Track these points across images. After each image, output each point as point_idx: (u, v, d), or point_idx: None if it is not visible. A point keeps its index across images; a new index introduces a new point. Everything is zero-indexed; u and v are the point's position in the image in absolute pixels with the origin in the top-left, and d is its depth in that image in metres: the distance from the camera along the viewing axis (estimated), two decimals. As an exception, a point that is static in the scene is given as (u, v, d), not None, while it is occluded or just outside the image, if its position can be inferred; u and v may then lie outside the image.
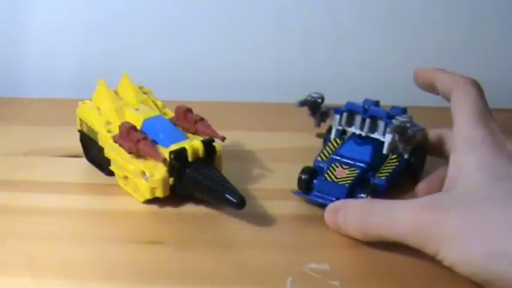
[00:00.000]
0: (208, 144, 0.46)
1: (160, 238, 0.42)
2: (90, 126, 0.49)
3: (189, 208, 0.46)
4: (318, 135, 0.57)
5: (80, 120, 0.50)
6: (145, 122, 0.47)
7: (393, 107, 0.50)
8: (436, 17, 0.69)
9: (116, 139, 0.46)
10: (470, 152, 0.39)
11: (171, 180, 0.45)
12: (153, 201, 0.45)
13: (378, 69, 0.70)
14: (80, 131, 0.51)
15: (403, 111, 0.49)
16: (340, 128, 0.48)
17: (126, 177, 0.46)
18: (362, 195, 0.45)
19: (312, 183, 0.46)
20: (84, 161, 0.52)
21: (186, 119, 0.48)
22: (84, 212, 0.45)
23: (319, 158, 0.49)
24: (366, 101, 0.50)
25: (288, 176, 0.48)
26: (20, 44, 0.71)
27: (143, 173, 0.45)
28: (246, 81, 0.71)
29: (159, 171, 0.44)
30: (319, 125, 0.50)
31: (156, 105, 0.51)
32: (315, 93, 0.50)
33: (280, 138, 0.57)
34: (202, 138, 0.46)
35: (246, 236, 0.43)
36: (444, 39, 0.70)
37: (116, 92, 0.51)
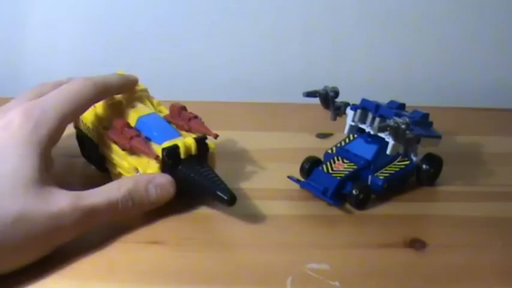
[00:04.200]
0: (201, 142, 0.46)
1: (160, 238, 0.42)
2: (86, 124, 0.49)
3: (189, 208, 0.46)
4: (319, 135, 0.57)
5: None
6: (140, 119, 0.47)
7: (414, 111, 0.49)
8: (436, 16, 0.69)
9: (110, 136, 0.46)
10: None
11: None
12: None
13: (378, 69, 0.70)
14: (77, 129, 0.51)
15: (424, 116, 0.49)
16: (353, 123, 0.48)
17: (120, 174, 0.46)
18: (354, 191, 0.45)
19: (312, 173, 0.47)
20: (83, 160, 0.52)
21: (180, 116, 0.49)
22: (84, 212, 0.45)
23: (329, 151, 0.49)
24: (391, 102, 0.50)
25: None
26: (20, 44, 0.71)
27: (136, 170, 0.45)
28: (246, 81, 0.71)
29: (152, 167, 0.44)
30: (334, 119, 0.50)
31: (151, 103, 0.51)
32: (330, 87, 0.50)
33: (280, 138, 0.57)
34: (195, 136, 0.46)
35: (246, 236, 0.43)
36: (444, 39, 0.70)
37: None
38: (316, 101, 0.49)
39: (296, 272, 0.39)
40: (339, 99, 0.49)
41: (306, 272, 0.39)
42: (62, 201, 0.38)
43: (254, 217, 0.45)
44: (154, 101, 0.51)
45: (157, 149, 0.44)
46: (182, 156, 0.44)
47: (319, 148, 0.51)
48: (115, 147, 0.46)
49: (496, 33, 0.69)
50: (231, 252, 0.41)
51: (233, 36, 0.70)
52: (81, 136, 0.51)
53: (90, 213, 0.39)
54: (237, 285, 0.38)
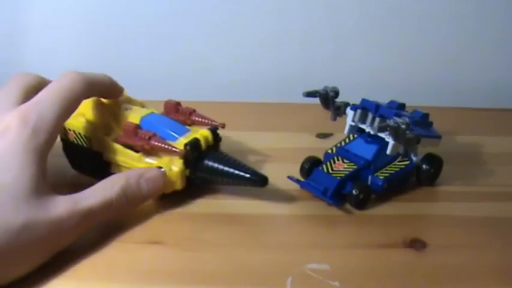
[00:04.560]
0: (214, 132, 0.47)
1: (160, 238, 0.42)
2: (79, 133, 0.47)
3: (189, 208, 0.46)
4: (319, 135, 0.57)
5: (65, 129, 0.47)
6: (143, 119, 0.47)
7: (414, 111, 0.50)
8: (436, 17, 0.69)
9: (120, 140, 0.46)
10: None
11: (187, 171, 0.45)
12: (153, 201, 0.45)
13: (378, 69, 0.70)
14: (64, 140, 0.48)
15: (424, 116, 0.49)
16: (353, 123, 0.48)
17: None
18: (354, 191, 0.45)
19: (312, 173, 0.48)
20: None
21: (179, 112, 0.49)
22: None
23: (329, 151, 0.50)
24: (391, 102, 0.50)
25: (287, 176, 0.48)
26: (20, 44, 0.71)
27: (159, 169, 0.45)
28: (246, 81, 0.71)
29: (176, 164, 0.44)
30: (334, 119, 0.50)
31: (138, 103, 0.50)
32: (330, 87, 0.49)
33: (280, 138, 0.57)
34: (209, 127, 0.47)
35: (246, 236, 0.43)
36: (444, 39, 0.70)
37: None
38: (316, 101, 0.49)
39: (296, 272, 0.39)
40: (339, 99, 0.49)
41: (306, 272, 0.39)
42: (60, 207, 0.38)
43: (254, 217, 0.45)
44: (138, 101, 0.50)
45: (176, 145, 0.45)
46: (203, 148, 0.45)
47: (319, 148, 0.51)
48: (126, 151, 0.45)
49: (496, 33, 0.69)
50: (231, 252, 0.41)
51: (233, 37, 0.70)
52: (71, 147, 0.48)
53: (88, 216, 0.40)
54: (237, 285, 0.38)
